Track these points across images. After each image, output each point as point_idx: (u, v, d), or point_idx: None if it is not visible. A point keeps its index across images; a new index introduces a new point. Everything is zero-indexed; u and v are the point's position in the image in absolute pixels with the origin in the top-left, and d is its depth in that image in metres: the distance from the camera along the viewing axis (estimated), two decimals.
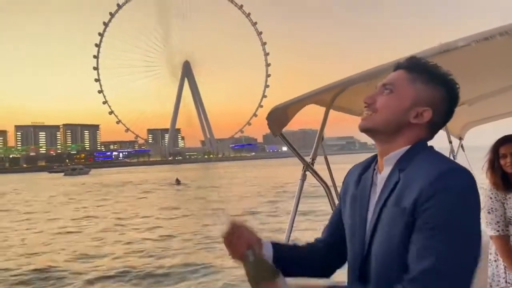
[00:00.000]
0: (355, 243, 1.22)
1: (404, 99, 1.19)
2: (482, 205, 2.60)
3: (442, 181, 1.04)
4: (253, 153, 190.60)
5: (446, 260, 0.99)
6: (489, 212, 2.60)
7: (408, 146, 1.18)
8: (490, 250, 2.72)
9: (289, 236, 2.28)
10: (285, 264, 1.28)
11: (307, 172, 2.45)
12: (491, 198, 2.60)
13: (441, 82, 1.20)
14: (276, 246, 1.32)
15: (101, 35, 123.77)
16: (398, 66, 1.26)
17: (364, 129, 1.24)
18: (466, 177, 1.07)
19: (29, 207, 28.87)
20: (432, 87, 1.19)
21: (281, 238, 2.16)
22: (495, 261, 2.70)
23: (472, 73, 2.11)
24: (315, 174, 2.45)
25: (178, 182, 45.64)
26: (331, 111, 2.46)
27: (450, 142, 3.53)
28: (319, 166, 2.52)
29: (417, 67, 1.22)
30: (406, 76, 1.22)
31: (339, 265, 1.40)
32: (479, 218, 1.06)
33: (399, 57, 1.33)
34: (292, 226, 2.34)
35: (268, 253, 1.29)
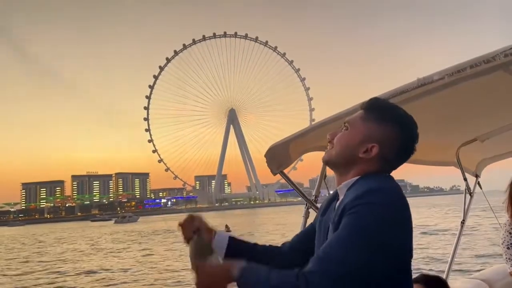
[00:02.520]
0: None
1: (355, 135, 1.31)
2: (501, 240, 2.61)
3: (364, 197, 1.15)
4: (300, 198, 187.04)
5: (331, 259, 1.09)
6: (508, 248, 2.56)
7: (358, 177, 1.29)
8: None
9: None
10: (236, 254, 1.40)
11: (310, 210, 2.50)
12: (510, 233, 2.57)
13: (392, 121, 1.30)
14: (232, 240, 1.49)
15: (151, 87, 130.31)
16: (361, 106, 1.38)
17: (324, 162, 1.39)
18: (389, 195, 1.17)
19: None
20: (383, 125, 1.29)
21: None
22: None
23: (478, 109, 2.11)
24: (318, 210, 2.49)
25: (227, 229, 45.15)
26: None
27: (465, 179, 3.44)
28: None
29: (372, 107, 1.34)
30: (361, 115, 1.34)
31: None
32: (392, 233, 1.12)
33: None
34: None
35: (221, 242, 1.46)
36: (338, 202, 1.29)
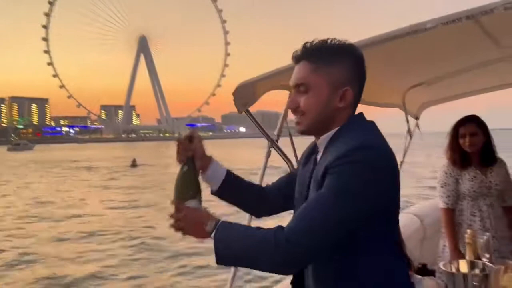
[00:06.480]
0: None
1: (321, 92, 1.21)
2: (437, 179, 2.85)
3: (347, 156, 1.11)
4: (211, 133, 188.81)
5: (312, 217, 1.10)
6: (442, 186, 2.82)
7: (337, 128, 1.23)
8: (443, 224, 2.87)
9: None
10: (230, 190, 1.46)
11: (272, 149, 2.47)
12: (446, 173, 2.82)
13: (342, 54, 1.22)
14: (230, 175, 1.47)
15: (51, 3, 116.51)
16: (297, 58, 1.26)
17: (301, 133, 1.30)
18: (371, 154, 1.12)
19: None
20: (338, 64, 1.21)
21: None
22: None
23: (433, 54, 2.15)
24: (279, 150, 2.45)
25: (134, 163, 41.80)
26: None
27: (407, 121, 3.57)
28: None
29: (314, 53, 1.23)
30: (310, 68, 1.22)
31: (268, 213, 1.55)
32: (371, 191, 1.10)
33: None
34: None
35: (217, 175, 1.44)
36: (319, 157, 1.26)
